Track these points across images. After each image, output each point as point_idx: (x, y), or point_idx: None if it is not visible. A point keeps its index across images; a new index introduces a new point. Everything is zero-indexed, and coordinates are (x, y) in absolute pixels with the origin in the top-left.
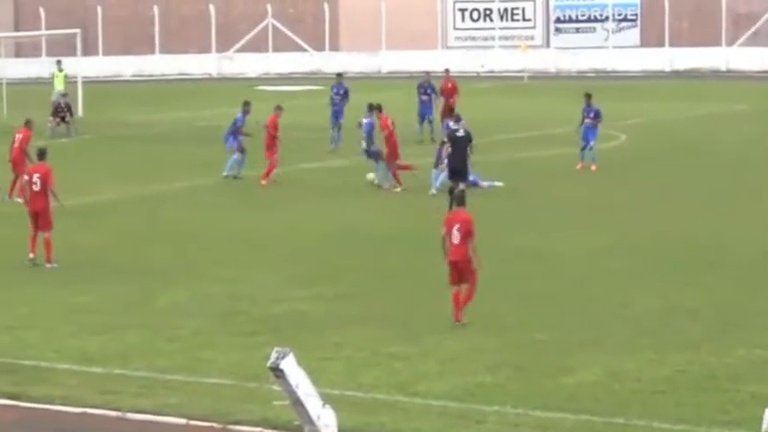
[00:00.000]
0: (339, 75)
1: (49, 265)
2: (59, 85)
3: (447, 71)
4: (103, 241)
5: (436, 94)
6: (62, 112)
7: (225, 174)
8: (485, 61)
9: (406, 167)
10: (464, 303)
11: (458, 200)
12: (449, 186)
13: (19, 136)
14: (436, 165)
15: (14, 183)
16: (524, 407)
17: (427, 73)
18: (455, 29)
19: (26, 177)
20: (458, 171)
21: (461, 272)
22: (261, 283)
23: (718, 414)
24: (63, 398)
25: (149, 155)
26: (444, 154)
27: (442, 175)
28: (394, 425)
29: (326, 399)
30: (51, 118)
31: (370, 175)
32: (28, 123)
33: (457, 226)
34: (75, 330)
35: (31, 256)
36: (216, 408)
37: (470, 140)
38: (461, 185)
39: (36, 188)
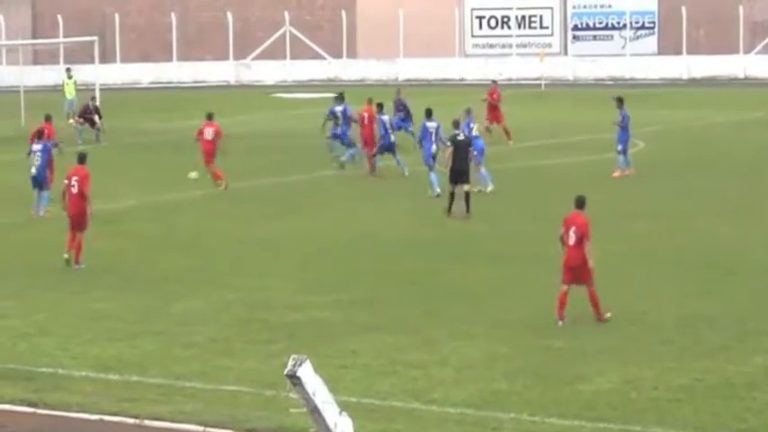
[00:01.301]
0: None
1: (76, 266)
2: (70, 94)
3: (494, 82)
4: (120, 248)
5: (408, 110)
6: (89, 113)
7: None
8: (502, 69)
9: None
10: (595, 304)
11: (577, 203)
12: (450, 189)
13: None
14: (432, 167)
15: None
16: (541, 414)
17: (398, 90)
18: (473, 36)
19: (65, 181)
20: (460, 173)
21: (576, 273)
22: (278, 290)
23: (735, 422)
24: (80, 405)
25: (166, 162)
26: (447, 157)
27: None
28: None
29: (343, 406)
30: (77, 118)
31: (193, 174)
32: (48, 119)
33: (573, 228)
34: (93, 337)
35: (66, 256)
36: (233, 415)
37: (470, 144)
38: (465, 187)
39: (74, 191)
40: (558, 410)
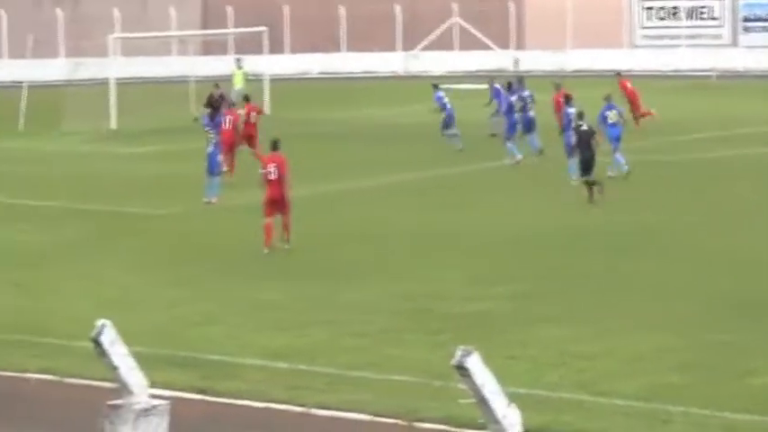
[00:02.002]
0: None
1: (285, 246)
2: (238, 84)
3: (619, 74)
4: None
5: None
6: (216, 102)
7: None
8: (671, 60)
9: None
10: None
11: None
12: (583, 179)
13: (241, 112)
14: (571, 154)
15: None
16: (711, 408)
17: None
18: (642, 27)
19: (262, 170)
20: (587, 163)
21: None
22: (447, 280)
23: None
24: (249, 393)
25: (336, 153)
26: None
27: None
28: (579, 424)
29: (512, 397)
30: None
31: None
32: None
33: None
34: (262, 326)
35: (265, 250)
36: (401, 405)
37: (593, 133)
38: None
39: (272, 177)
40: (728, 404)
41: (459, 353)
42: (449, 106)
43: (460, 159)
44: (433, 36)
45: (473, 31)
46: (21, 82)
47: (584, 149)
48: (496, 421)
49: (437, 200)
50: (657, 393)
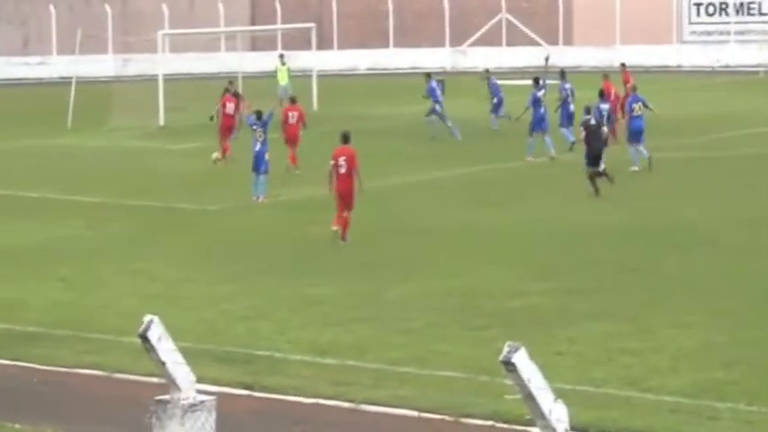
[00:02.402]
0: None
1: (342, 242)
2: (283, 80)
3: (623, 65)
4: (336, 234)
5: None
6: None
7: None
8: (720, 56)
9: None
10: None
11: None
12: (588, 172)
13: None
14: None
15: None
16: (758, 404)
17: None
18: (690, 23)
19: (332, 161)
20: (595, 156)
21: None
22: (494, 276)
23: None
24: (296, 388)
25: (382, 149)
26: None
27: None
28: (626, 421)
29: (558, 393)
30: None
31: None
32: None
33: None
34: (309, 322)
35: (335, 228)
36: (448, 400)
37: (601, 126)
38: (601, 167)
39: (342, 170)
40: None
41: (506, 348)
42: (440, 98)
43: (507, 155)
44: (481, 32)
45: (521, 26)
46: (69, 78)
47: (594, 142)
48: (543, 417)
49: (483, 195)
50: (704, 390)
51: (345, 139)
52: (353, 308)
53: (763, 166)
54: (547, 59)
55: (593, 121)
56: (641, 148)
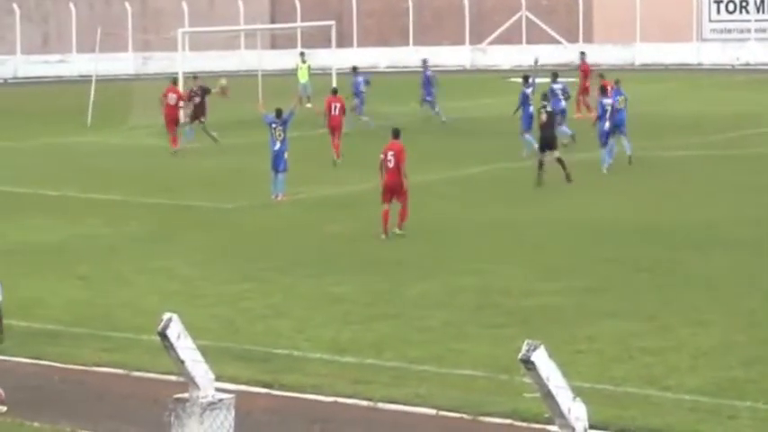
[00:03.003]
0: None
1: (398, 231)
2: (303, 78)
3: (583, 53)
4: (355, 232)
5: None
6: (195, 96)
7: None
8: (740, 54)
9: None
10: None
11: None
12: (539, 157)
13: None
14: (605, 143)
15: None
16: None
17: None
18: (710, 21)
19: (381, 156)
20: (548, 141)
21: None
22: (513, 275)
23: None
24: (315, 387)
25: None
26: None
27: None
28: (644, 419)
29: (577, 392)
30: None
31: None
32: (176, 82)
33: None
34: (328, 320)
35: (383, 236)
36: (466, 399)
37: (556, 115)
38: (555, 154)
39: (390, 164)
40: None
41: (525, 346)
42: (363, 93)
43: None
44: (500, 30)
45: (541, 24)
46: (89, 76)
47: (547, 129)
48: (562, 415)
49: (503, 193)
50: (723, 388)
51: (396, 134)
52: (372, 306)
53: None
54: (536, 62)
55: (549, 108)
56: (625, 141)
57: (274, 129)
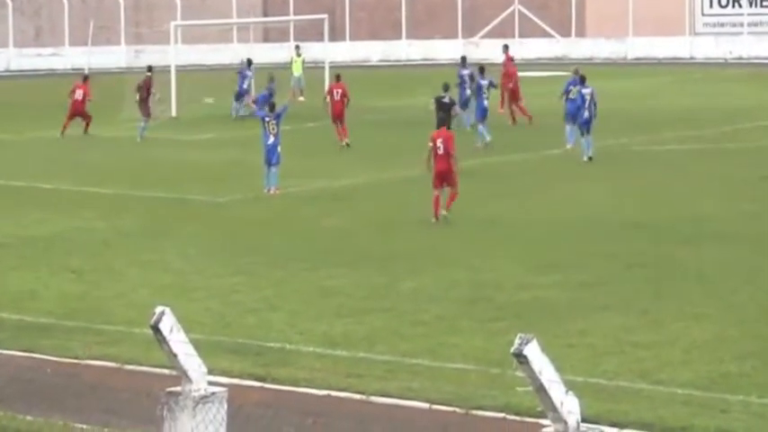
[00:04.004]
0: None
1: (445, 212)
2: (297, 71)
3: (506, 46)
4: (349, 226)
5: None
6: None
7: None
8: (733, 48)
9: None
10: None
11: None
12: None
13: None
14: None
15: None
16: None
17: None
18: (703, 15)
19: (430, 144)
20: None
21: None
22: (505, 269)
23: None
24: (308, 380)
25: (395, 140)
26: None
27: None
28: (637, 413)
29: (570, 386)
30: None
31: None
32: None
33: None
34: (321, 313)
35: (434, 220)
36: (459, 393)
37: (453, 105)
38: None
39: (440, 151)
40: None
41: (518, 340)
42: (245, 86)
43: (519, 147)
44: (493, 24)
45: (533, 18)
46: (82, 69)
47: (441, 119)
48: (554, 409)
49: (496, 187)
50: (716, 382)
51: (441, 122)
52: (365, 300)
53: None
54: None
55: (446, 100)
56: (569, 129)
57: (267, 123)
